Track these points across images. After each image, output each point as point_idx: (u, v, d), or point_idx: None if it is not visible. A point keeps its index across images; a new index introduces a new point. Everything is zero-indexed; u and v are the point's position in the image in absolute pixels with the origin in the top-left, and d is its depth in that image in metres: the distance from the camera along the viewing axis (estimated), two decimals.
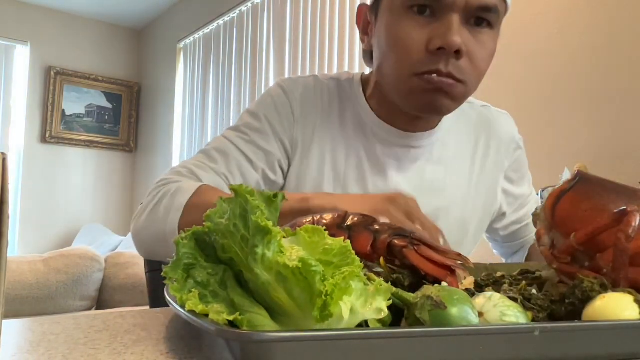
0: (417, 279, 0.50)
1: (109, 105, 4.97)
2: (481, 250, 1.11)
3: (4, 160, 0.33)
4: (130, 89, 5.03)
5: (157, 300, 1.08)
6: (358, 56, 2.80)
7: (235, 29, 3.82)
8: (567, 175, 0.57)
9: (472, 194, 0.95)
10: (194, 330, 0.50)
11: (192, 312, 0.38)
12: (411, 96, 0.80)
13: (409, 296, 0.42)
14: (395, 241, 0.51)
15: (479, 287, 0.52)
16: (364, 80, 0.94)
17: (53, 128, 4.64)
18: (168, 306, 0.44)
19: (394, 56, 0.79)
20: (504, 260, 1.09)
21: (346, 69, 2.86)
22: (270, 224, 0.39)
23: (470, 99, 0.94)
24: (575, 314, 0.45)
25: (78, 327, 0.50)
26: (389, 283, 0.41)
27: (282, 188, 0.90)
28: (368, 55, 0.89)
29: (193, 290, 0.40)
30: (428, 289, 0.41)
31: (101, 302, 2.29)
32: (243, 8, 3.72)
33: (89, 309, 2.24)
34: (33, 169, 4.56)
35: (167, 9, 4.66)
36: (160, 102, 4.74)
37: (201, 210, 0.76)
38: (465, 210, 0.94)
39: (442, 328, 0.38)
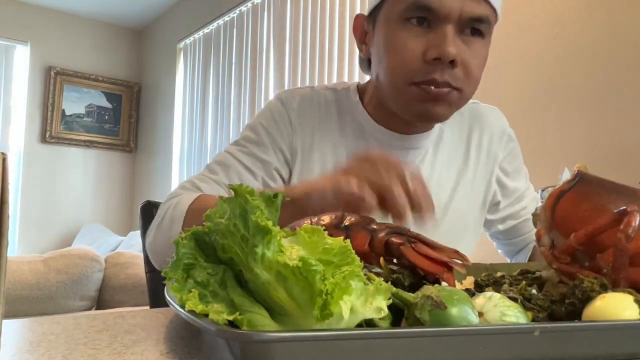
0: (417, 279, 0.50)
1: (109, 105, 4.97)
2: (481, 250, 1.11)
3: (4, 160, 0.33)
4: (130, 89, 5.03)
5: (157, 300, 1.08)
6: (358, 56, 2.80)
7: (235, 29, 3.82)
8: (567, 175, 0.58)
9: (469, 188, 0.97)
10: (194, 330, 0.50)
11: (192, 312, 0.38)
12: (409, 105, 0.83)
13: (409, 296, 0.42)
14: (393, 239, 0.52)
15: (479, 287, 0.52)
16: (361, 89, 0.97)
17: (53, 128, 4.65)
18: (168, 306, 0.44)
19: (392, 66, 0.82)
20: (507, 260, 1.09)
21: (346, 69, 2.86)
22: (270, 223, 0.39)
23: None
24: (575, 314, 0.45)
25: (78, 327, 0.50)
26: (389, 283, 0.41)
27: None
28: (365, 63, 0.94)
29: (193, 290, 0.40)
30: (428, 289, 0.41)
31: (101, 302, 2.29)
32: (243, 8, 3.72)
33: (89, 309, 2.24)
34: (33, 169, 4.56)
35: (167, 9, 4.66)
36: (160, 102, 4.74)
37: (201, 213, 0.79)
38: (463, 205, 0.96)
39: (442, 328, 0.38)
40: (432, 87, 0.79)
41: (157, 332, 0.49)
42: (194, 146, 4.18)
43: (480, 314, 0.42)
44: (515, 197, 1.03)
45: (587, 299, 0.45)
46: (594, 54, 1.80)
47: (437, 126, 0.95)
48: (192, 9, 4.33)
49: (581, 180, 0.55)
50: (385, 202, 0.63)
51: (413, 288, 0.46)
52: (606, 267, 0.49)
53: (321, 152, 0.92)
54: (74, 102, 4.78)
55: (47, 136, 4.62)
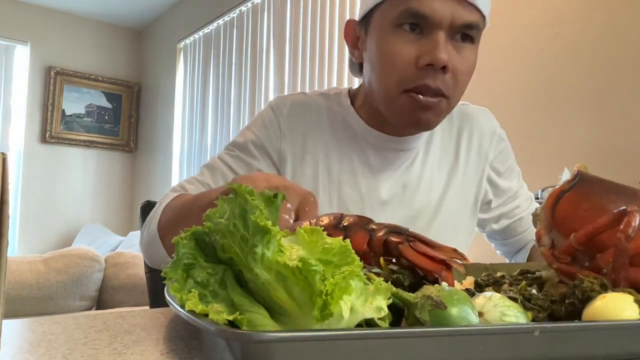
0: (417, 279, 0.50)
1: (109, 105, 4.97)
2: (481, 250, 1.11)
3: (4, 160, 0.33)
4: (130, 89, 5.03)
5: (157, 300, 1.08)
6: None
7: (235, 29, 3.82)
8: (566, 175, 0.58)
9: (460, 188, 0.99)
10: (194, 330, 0.50)
11: (192, 312, 0.38)
12: (399, 113, 0.85)
13: (409, 296, 0.42)
14: (391, 238, 0.52)
15: (479, 287, 0.52)
16: (352, 94, 0.99)
17: (53, 128, 4.65)
18: (168, 306, 0.44)
19: (384, 72, 0.84)
20: (506, 261, 1.09)
21: (346, 69, 2.86)
22: (269, 223, 0.39)
23: None
24: (575, 314, 0.45)
25: (78, 327, 0.50)
26: (389, 283, 0.41)
27: None
28: (355, 67, 0.96)
29: (193, 290, 0.40)
30: (428, 289, 0.41)
31: (101, 302, 2.29)
32: (243, 8, 3.72)
33: (89, 309, 2.24)
34: (33, 169, 4.56)
35: (167, 9, 4.67)
36: (160, 102, 4.74)
37: (174, 210, 0.82)
38: (454, 205, 0.98)
39: (442, 328, 0.38)
40: (421, 96, 0.81)
41: (157, 332, 0.49)
42: (194, 146, 4.18)
43: (480, 314, 0.42)
44: (508, 197, 1.04)
45: (587, 299, 0.45)
46: (594, 54, 1.80)
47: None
48: (192, 9, 4.33)
49: (581, 180, 0.55)
50: None
51: (413, 288, 0.46)
52: (606, 267, 0.49)
53: (313, 156, 0.94)
54: (74, 102, 4.79)
55: (47, 136, 4.62)
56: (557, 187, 0.56)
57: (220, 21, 3.96)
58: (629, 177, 1.58)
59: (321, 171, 0.94)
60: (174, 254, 0.42)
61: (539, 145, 1.88)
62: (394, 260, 0.53)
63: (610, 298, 0.43)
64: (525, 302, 0.47)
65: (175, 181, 4.37)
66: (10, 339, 0.46)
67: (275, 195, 0.44)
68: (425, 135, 0.97)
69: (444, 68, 0.79)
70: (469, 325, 0.39)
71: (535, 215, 0.59)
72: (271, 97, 3.39)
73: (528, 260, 1.03)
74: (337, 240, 0.40)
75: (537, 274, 0.56)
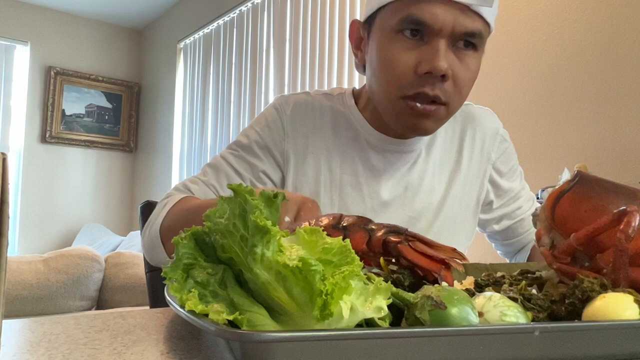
0: (417, 279, 0.50)
1: (109, 105, 4.97)
2: (481, 251, 1.11)
3: (4, 160, 0.33)
4: (130, 89, 5.03)
5: (157, 300, 1.08)
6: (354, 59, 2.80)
7: (235, 29, 3.82)
8: (566, 175, 0.58)
9: (462, 190, 0.98)
10: (194, 330, 0.50)
11: (192, 312, 0.38)
12: (398, 118, 0.85)
13: (409, 296, 0.42)
14: (390, 238, 0.52)
15: (479, 287, 0.52)
16: (356, 94, 0.98)
17: (53, 128, 4.65)
18: (168, 306, 0.44)
19: (384, 77, 0.84)
20: (506, 261, 1.09)
21: (346, 69, 2.86)
22: (269, 223, 0.39)
23: None
24: (575, 314, 0.45)
25: (78, 327, 0.50)
26: (389, 282, 0.41)
27: None
28: (361, 68, 0.94)
29: (193, 290, 0.40)
30: (428, 289, 0.41)
31: (101, 302, 2.29)
32: (243, 8, 3.72)
33: (89, 309, 2.24)
34: (33, 169, 4.56)
35: (167, 9, 4.66)
36: (160, 102, 4.74)
37: (178, 215, 0.82)
38: (455, 207, 0.97)
39: (442, 328, 0.38)
40: (418, 104, 0.81)
41: (157, 332, 0.49)
42: (194, 146, 4.18)
43: (480, 314, 0.42)
44: (509, 197, 1.03)
45: (587, 299, 0.45)
46: (594, 54, 1.80)
47: None
48: (192, 9, 4.33)
49: (581, 180, 0.55)
50: None
51: (413, 288, 0.46)
52: (606, 267, 0.49)
53: (315, 156, 0.94)
54: (74, 102, 4.79)
55: (47, 136, 4.62)
56: (557, 187, 0.56)
57: (220, 21, 3.96)
58: (629, 177, 1.58)
59: (323, 172, 0.93)
60: (173, 254, 0.42)
61: (539, 145, 1.88)
62: (393, 260, 0.53)
63: (610, 298, 0.43)
64: (525, 302, 0.47)
65: (175, 181, 4.37)
66: (10, 339, 0.46)
67: (276, 195, 0.44)
68: (427, 137, 0.96)
69: (443, 76, 0.79)
70: (469, 325, 0.39)
71: (535, 215, 0.59)
72: (271, 97, 3.39)
73: (528, 260, 1.03)
74: (337, 240, 0.40)
75: (537, 274, 0.56)
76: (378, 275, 0.48)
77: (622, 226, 0.46)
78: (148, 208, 1.14)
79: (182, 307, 0.39)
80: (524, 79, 2.00)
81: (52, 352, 0.42)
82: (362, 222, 0.55)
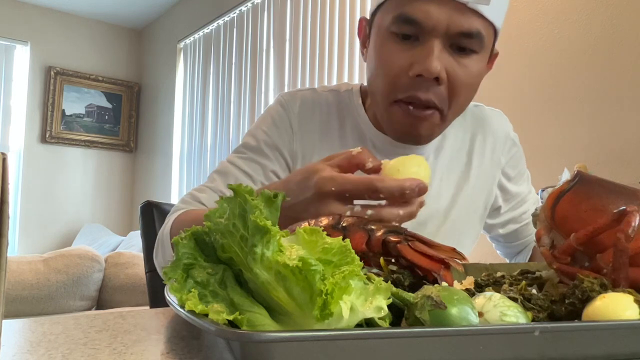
0: (417, 279, 0.50)
1: (109, 105, 4.97)
2: (481, 251, 1.11)
3: (4, 160, 0.33)
4: (130, 89, 5.03)
5: (157, 300, 1.08)
6: (358, 56, 2.80)
7: (235, 29, 3.82)
8: (566, 175, 0.58)
9: (469, 197, 0.95)
10: (194, 330, 0.50)
11: (191, 312, 0.38)
12: (392, 124, 0.82)
13: (409, 296, 0.42)
14: (390, 237, 0.52)
15: (479, 287, 0.52)
16: (364, 92, 0.95)
17: (53, 128, 4.65)
18: (168, 306, 0.44)
19: (379, 79, 0.80)
20: (506, 261, 1.09)
21: (346, 69, 2.86)
22: (269, 223, 0.39)
23: None
24: (575, 314, 0.45)
25: (78, 327, 0.50)
26: (389, 282, 0.41)
27: None
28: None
29: (193, 290, 0.40)
30: (428, 289, 0.41)
31: (101, 302, 2.29)
32: (243, 8, 3.72)
33: (89, 309, 2.24)
34: (33, 169, 4.56)
35: (167, 9, 4.66)
36: (160, 102, 4.74)
37: (183, 225, 0.79)
38: (462, 214, 0.94)
39: (442, 328, 0.38)
40: (411, 107, 0.77)
41: (157, 332, 0.49)
42: (194, 146, 4.18)
43: (480, 314, 0.42)
44: (517, 202, 1.01)
45: (587, 299, 0.45)
46: (594, 53, 1.80)
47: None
48: (192, 9, 4.33)
49: (581, 180, 0.55)
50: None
51: (413, 288, 0.46)
52: (606, 267, 0.49)
53: (321, 157, 0.91)
54: (74, 102, 4.79)
55: (47, 136, 4.62)
56: (557, 187, 0.56)
57: (220, 21, 3.96)
58: (629, 177, 1.58)
59: None
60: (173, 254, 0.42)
61: (539, 145, 1.88)
62: (393, 260, 0.53)
63: (610, 298, 0.43)
64: (525, 302, 0.47)
65: (175, 181, 4.37)
66: (10, 339, 0.46)
67: (276, 195, 0.44)
68: (435, 140, 0.92)
69: (437, 79, 0.75)
70: (469, 325, 0.39)
71: (534, 216, 0.59)
72: (271, 97, 3.39)
73: (529, 260, 1.02)
74: (337, 240, 0.40)
75: (537, 274, 0.56)
76: (378, 275, 0.48)
77: (622, 226, 0.46)
78: (148, 208, 1.14)
79: (182, 307, 0.39)
80: (523, 79, 2.00)
81: (52, 352, 0.42)
82: (362, 222, 0.55)
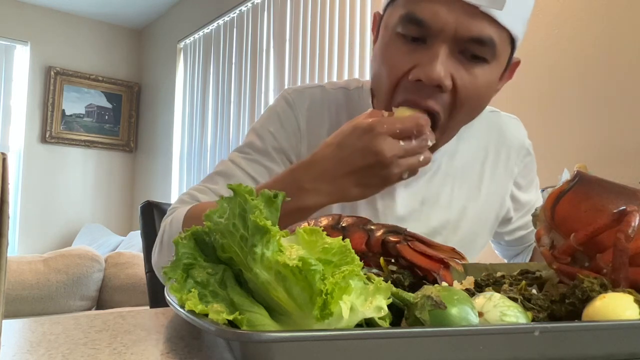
0: (417, 279, 0.50)
1: (109, 105, 4.97)
2: (481, 251, 1.10)
3: (4, 160, 0.33)
4: (130, 89, 5.03)
5: (157, 300, 1.08)
6: (358, 56, 2.80)
7: (235, 29, 3.82)
8: (566, 175, 0.57)
9: (482, 205, 0.92)
10: (194, 330, 0.50)
11: (191, 312, 0.38)
12: None
13: (409, 296, 0.42)
14: (389, 237, 0.52)
15: (479, 287, 0.52)
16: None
17: (53, 128, 4.64)
18: (168, 306, 0.44)
19: (381, 81, 0.76)
20: (505, 261, 1.09)
21: (346, 68, 2.86)
22: (269, 223, 0.39)
23: None
24: (575, 314, 0.45)
25: (78, 327, 0.50)
26: (389, 282, 0.41)
27: None
28: None
29: (192, 290, 0.40)
30: (428, 289, 0.41)
31: (101, 302, 2.29)
32: (243, 8, 3.72)
33: (89, 309, 2.24)
34: (33, 169, 4.56)
35: (167, 9, 4.66)
36: (160, 102, 4.74)
37: (195, 221, 0.77)
38: (474, 223, 0.91)
39: (442, 328, 0.38)
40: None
41: (157, 332, 0.49)
42: (194, 146, 4.18)
43: (480, 314, 0.42)
44: (526, 210, 0.99)
45: (587, 299, 0.45)
46: (594, 53, 1.80)
47: (453, 138, 0.87)
48: (192, 9, 4.33)
49: (581, 180, 0.55)
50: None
51: (413, 288, 0.46)
52: (606, 267, 0.49)
53: None
54: (74, 102, 4.78)
55: (47, 136, 4.62)
56: (557, 187, 0.56)
57: (220, 21, 3.96)
58: (629, 177, 1.58)
59: None
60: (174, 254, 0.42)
61: (539, 145, 1.87)
62: (393, 260, 0.53)
63: (610, 298, 0.43)
64: (525, 302, 0.47)
65: (175, 181, 4.37)
66: (10, 339, 0.46)
67: (276, 195, 0.44)
68: (449, 147, 0.88)
69: (440, 86, 0.70)
70: (469, 325, 0.39)
71: (534, 216, 0.59)
72: (271, 97, 3.39)
73: (530, 260, 1.02)
74: (337, 240, 0.40)
75: (537, 274, 0.56)
76: (378, 275, 0.48)
77: (621, 226, 0.46)
78: (148, 208, 1.14)
79: (182, 307, 0.39)
80: (523, 79, 2.00)
81: (52, 352, 0.42)
82: (361, 223, 0.55)
